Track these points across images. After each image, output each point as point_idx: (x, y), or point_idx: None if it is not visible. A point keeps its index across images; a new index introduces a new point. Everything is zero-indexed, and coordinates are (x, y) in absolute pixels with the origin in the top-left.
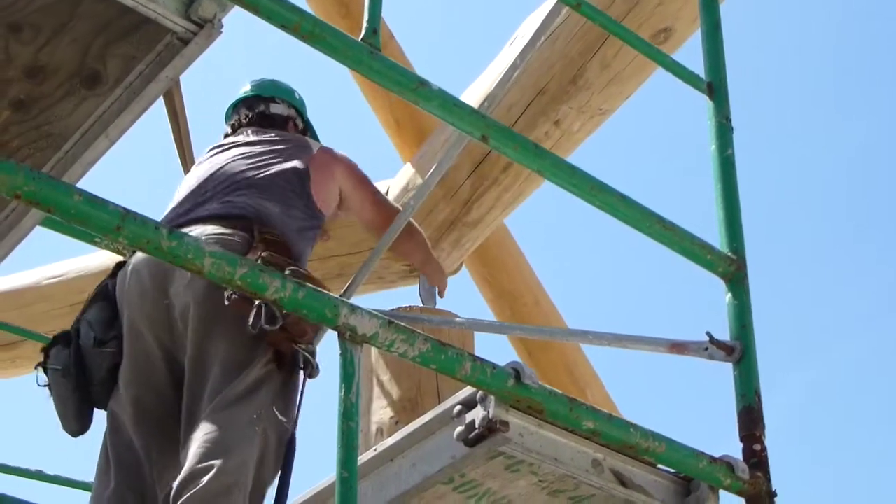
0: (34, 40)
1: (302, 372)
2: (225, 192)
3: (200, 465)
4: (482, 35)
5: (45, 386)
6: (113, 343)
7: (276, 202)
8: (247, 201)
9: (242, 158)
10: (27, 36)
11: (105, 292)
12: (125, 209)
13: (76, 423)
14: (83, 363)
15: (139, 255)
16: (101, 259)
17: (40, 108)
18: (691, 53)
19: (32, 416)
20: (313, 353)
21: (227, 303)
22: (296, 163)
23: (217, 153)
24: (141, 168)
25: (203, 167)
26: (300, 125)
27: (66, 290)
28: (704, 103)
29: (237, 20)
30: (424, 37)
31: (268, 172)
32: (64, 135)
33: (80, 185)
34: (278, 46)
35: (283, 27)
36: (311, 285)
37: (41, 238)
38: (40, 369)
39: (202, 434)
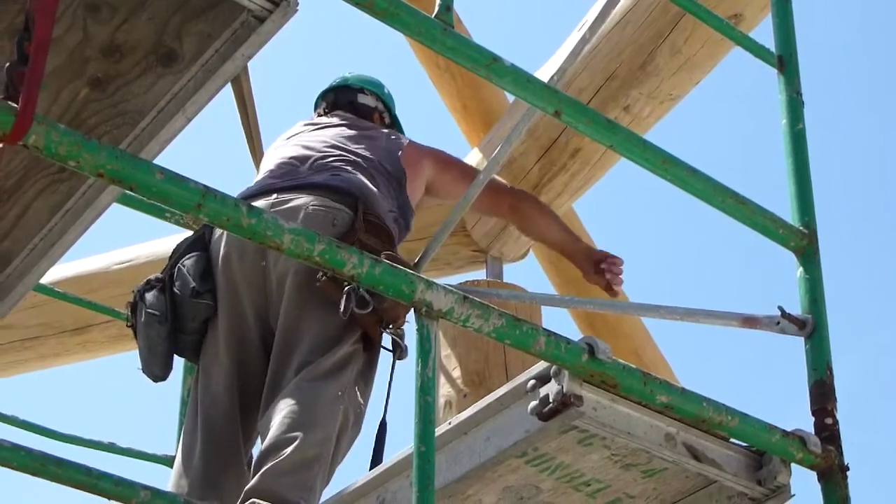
0: (111, 19)
1: (392, 354)
2: (332, 165)
3: (285, 436)
4: (549, 24)
5: (130, 326)
6: (208, 296)
7: (377, 185)
8: (354, 178)
9: (345, 138)
10: (105, 15)
11: (202, 242)
12: (205, 187)
13: (160, 369)
14: (176, 311)
15: None
16: (170, 244)
17: (117, 86)
18: (761, 40)
19: (102, 399)
20: (402, 337)
21: (318, 284)
22: (393, 152)
23: (316, 129)
24: (209, 145)
25: (302, 139)
26: (387, 119)
27: (135, 275)
28: (773, 83)
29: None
30: (491, 24)
31: (370, 155)
32: (140, 112)
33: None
34: (345, 32)
35: (357, 4)
36: (387, 261)
37: (109, 224)
38: (128, 309)
39: (288, 404)
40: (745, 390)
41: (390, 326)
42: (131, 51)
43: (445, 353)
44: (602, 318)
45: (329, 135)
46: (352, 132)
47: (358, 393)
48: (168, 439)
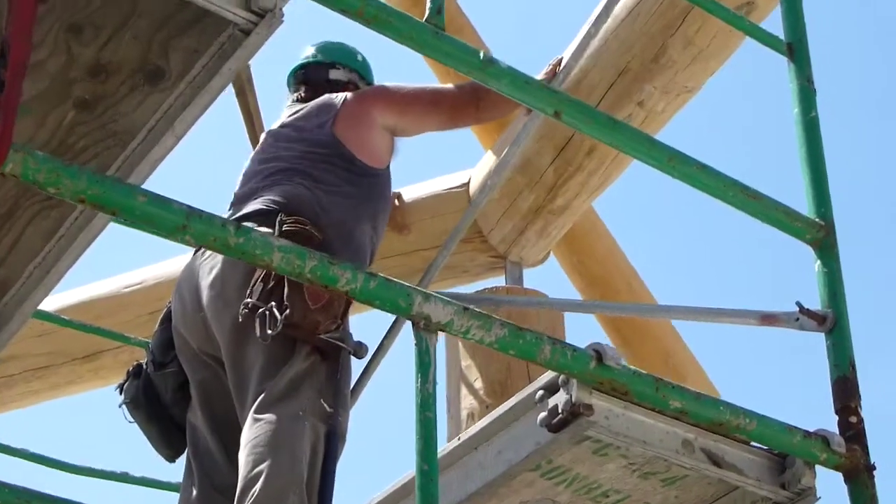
0: (95, 39)
1: (351, 356)
2: (260, 188)
3: (252, 473)
4: (561, 21)
5: (131, 423)
6: (174, 363)
7: (307, 181)
8: (274, 196)
9: (274, 147)
10: (88, 36)
11: (168, 313)
12: (190, 207)
13: (165, 449)
14: (154, 391)
15: (182, 271)
16: (179, 265)
17: (104, 107)
18: (775, 29)
19: (115, 426)
20: (343, 339)
21: (240, 320)
22: (325, 126)
23: (265, 142)
24: (211, 161)
25: (252, 159)
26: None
27: (144, 298)
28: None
29: (300, 8)
30: (498, 24)
31: (294, 153)
32: (130, 132)
33: (149, 182)
34: (352, 38)
35: (344, 12)
36: (383, 275)
37: (115, 246)
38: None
39: (248, 440)
40: (784, 389)
41: (328, 333)
42: (117, 70)
43: (466, 364)
44: (630, 322)
45: (270, 145)
46: (286, 131)
47: (325, 405)
48: (181, 468)
